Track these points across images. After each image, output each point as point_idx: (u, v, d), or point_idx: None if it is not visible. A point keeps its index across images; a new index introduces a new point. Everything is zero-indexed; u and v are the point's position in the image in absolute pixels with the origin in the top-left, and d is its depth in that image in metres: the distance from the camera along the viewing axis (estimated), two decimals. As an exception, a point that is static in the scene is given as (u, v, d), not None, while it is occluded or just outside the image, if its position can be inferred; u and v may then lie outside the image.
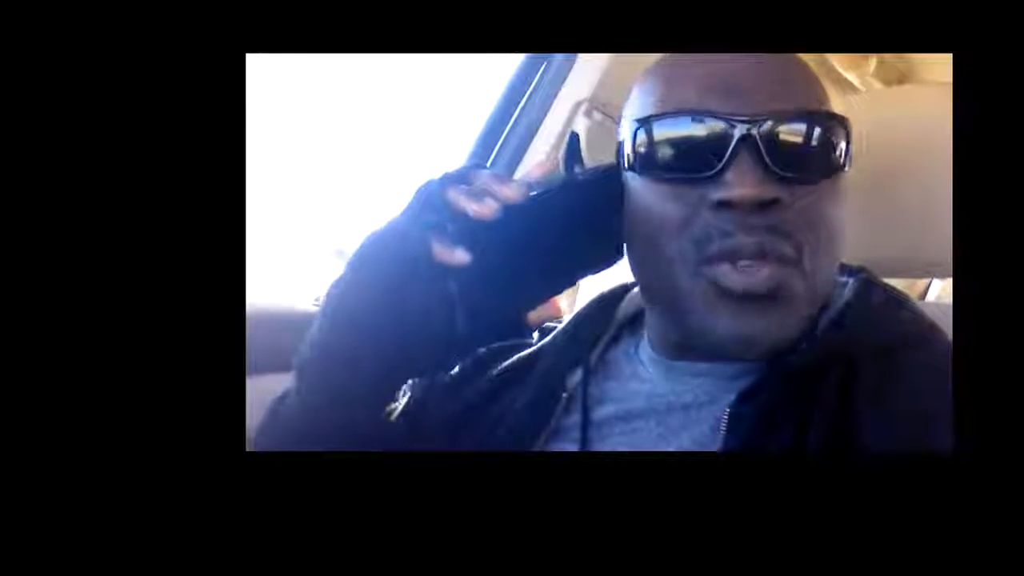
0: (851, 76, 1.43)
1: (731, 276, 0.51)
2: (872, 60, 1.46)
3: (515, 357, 0.65)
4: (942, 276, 0.93)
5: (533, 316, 0.54)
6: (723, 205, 0.50)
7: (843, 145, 0.53)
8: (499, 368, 0.65)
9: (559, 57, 1.19)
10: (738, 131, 0.50)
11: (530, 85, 1.21)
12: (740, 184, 0.50)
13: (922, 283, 1.97)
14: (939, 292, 1.99)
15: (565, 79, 1.19)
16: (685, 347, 0.57)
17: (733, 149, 0.50)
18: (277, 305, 1.00)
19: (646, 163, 0.54)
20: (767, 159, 0.50)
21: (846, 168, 0.54)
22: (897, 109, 0.80)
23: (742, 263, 0.51)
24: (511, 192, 0.51)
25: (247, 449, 0.46)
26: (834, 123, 0.53)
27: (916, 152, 0.73)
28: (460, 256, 0.50)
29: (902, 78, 1.51)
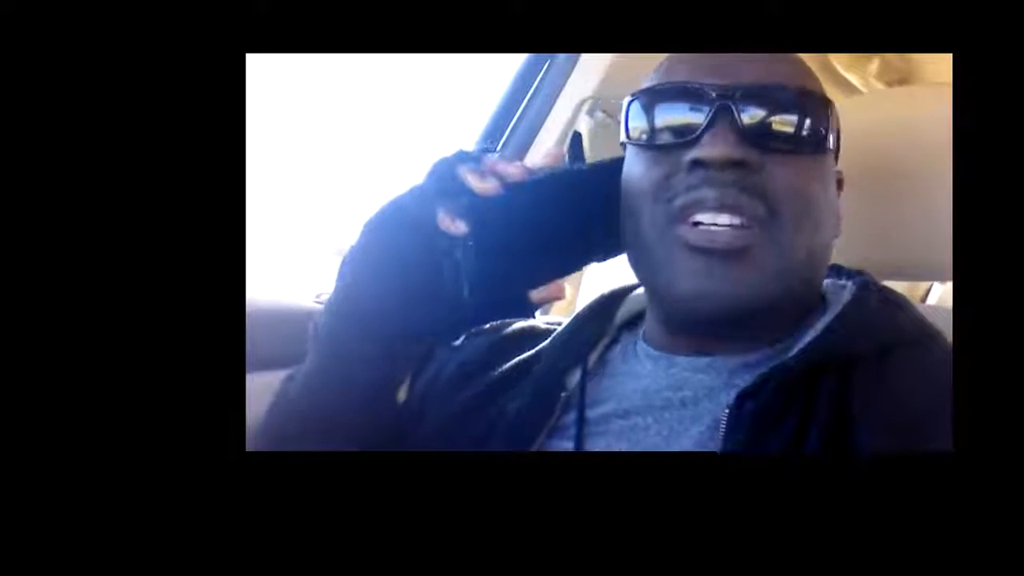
0: (852, 77, 1.42)
1: (694, 233, 0.54)
2: (875, 60, 1.44)
3: (515, 360, 0.65)
4: (942, 279, 0.93)
5: (536, 295, 0.57)
6: (696, 164, 0.54)
7: (824, 124, 0.56)
8: (499, 370, 0.65)
9: (562, 55, 1.19)
10: (716, 98, 0.54)
11: (533, 84, 1.21)
12: (712, 144, 0.53)
13: (923, 286, 1.97)
14: (940, 295, 1.98)
15: (568, 77, 1.19)
16: (675, 330, 0.59)
17: (711, 114, 0.54)
18: (278, 302, 1.00)
19: (638, 132, 0.58)
20: (741, 124, 0.54)
21: (827, 148, 0.57)
22: (898, 110, 0.80)
23: (705, 218, 0.53)
24: (514, 171, 0.54)
25: (247, 447, 0.46)
26: (815, 101, 0.56)
27: (917, 153, 0.72)
28: (460, 226, 0.52)
29: (904, 79, 1.50)
